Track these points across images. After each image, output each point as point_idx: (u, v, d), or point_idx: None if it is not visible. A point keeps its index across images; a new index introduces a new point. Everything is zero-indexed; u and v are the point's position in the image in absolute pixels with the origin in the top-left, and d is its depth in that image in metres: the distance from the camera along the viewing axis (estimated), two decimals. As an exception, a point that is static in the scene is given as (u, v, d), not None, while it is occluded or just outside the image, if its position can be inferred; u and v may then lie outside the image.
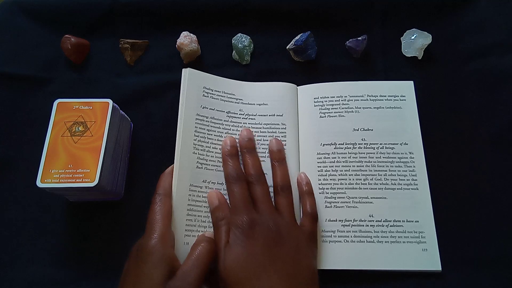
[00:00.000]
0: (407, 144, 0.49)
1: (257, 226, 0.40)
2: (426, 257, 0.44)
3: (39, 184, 0.41)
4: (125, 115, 0.50)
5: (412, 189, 0.47)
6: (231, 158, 0.46)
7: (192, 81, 0.49)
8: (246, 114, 0.50)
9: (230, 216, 0.42)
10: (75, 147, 0.43)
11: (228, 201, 0.44)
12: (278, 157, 0.47)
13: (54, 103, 0.45)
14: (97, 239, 0.47)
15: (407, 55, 0.56)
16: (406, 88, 0.52)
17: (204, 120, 0.48)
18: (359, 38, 0.56)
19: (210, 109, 0.49)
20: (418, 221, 0.45)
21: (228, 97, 0.50)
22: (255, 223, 0.40)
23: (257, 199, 0.43)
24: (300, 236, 0.42)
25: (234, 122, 0.49)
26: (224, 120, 0.49)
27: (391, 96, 0.52)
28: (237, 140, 0.48)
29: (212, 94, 0.50)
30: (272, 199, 0.45)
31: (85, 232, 0.47)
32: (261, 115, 0.50)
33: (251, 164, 0.45)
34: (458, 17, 0.58)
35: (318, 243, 0.45)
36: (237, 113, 0.50)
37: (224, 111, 0.49)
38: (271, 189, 0.45)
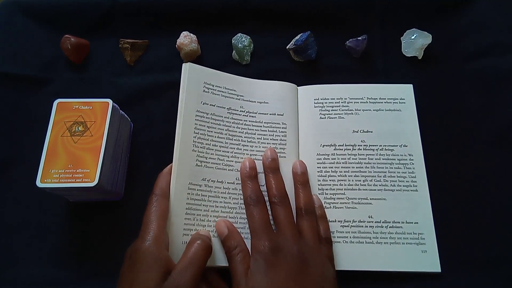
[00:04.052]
0: (406, 146, 0.49)
1: (280, 252, 0.39)
2: (426, 258, 0.44)
3: (39, 184, 0.41)
4: (125, 115, 0.50)
5: (411, 190, 0.47)
6: (251, 180, 0.44)
7: (192, 76, 0.48)
8: (246, 112, 0.50)
9: (251, 240, 0.41)
10: (75, 147, 0.43)
11: (248, 225, 0.43)
12: (302, 179, 0.46)
13: (54, 103, 0.45)
14: (97, 239, 0.47)
15: (407, 55, 0.56)
16: (405, 91, 0.53)
17: (204, 117, 0.47)
18: (359, 38, 0.55)
19: (210, 105, 0.48)
20: (417, 223, 0.45)
21: (229, 93, 0.50)
22: (278, 249, 0.39)
23: (280, 222, 0.41)
24: (325, 261, 0.41)
25: (234, 119, 0.49)
26: (224, 117, 0.49)
27: (390, 98, 0.52)
28: (255, 162, 0.46)
29: (213, 89, 0.49)
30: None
31: (85, 232, 0.48)
32: (262, 113, 0.50)
33: (275, 185, 0.44)
34: (458, 17, 0.58)
35: None
36: (237, 110, 0.50)
37: (225, 108, 0.49)
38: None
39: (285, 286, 0.37)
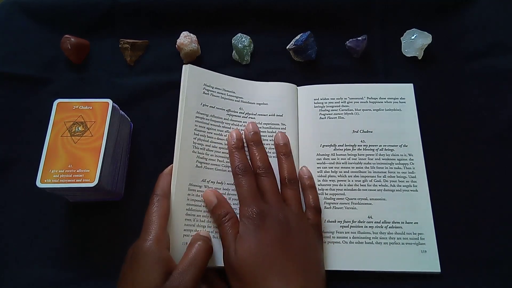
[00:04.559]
0: (406, 146, 0.49)
1: (267, 217, 0.41)
2: (425, 258, 0.44)
3: (39, 184, 0.41)
4: (125, 115, 0.50)
5: (411, 190, 0.47)
6: (238, 151, 0.46)
7: (192, 78, 0.48)
8: (246, 113, 0.50)
9: (240, 207, 0.42)
10: (75, 147, 0.43)
11: (236, 194, 0.44)
12: (285, 150, 0.47)
13: (54, 103, 0.45)
14: (97, 239, 0.47)
15: (407, 55, 0.56)
16: (406, 91, 0.52)
17: (204, 118, 0.48)
18: (359, 38, 0.55)
19: (210, 107, 0.48)
20: (417, 223, 0.45)
21: (228, 95, 0.50)
22: (265, 214, 0.41)
23: (266, 191, 0.43)
24: (308, 228, 0.43)
25: (234, 120, 0.49)
26: (224, 119, 0.49)
27: (390, 98, 0.52)
28: (242, 134, 0.48)
29: (213, 91, 0.49)
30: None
31: (85, 232, 0.48)
32: (261, 115, 0.50)
33: (258, 157, 0.46)
34: (458, 17, 0.58)
35: None
36: (237, 112, 0.50)
37: (224, 109, 0.49)
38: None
39: (271, 247, 0.39)
